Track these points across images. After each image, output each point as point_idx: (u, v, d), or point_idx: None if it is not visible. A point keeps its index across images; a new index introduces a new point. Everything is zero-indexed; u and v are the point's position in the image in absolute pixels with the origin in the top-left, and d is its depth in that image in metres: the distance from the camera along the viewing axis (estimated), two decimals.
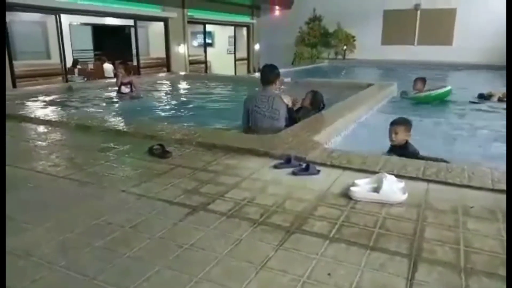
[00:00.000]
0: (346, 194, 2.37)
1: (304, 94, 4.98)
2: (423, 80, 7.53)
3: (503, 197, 2.32)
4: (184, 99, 8.43)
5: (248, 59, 17.28)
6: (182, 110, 6.99)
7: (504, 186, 2.44)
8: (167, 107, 7.37)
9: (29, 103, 6.56)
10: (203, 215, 2.14)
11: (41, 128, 4.27)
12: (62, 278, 1.58)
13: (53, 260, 1.70)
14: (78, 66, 11.05)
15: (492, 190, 2.44)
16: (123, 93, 7.81)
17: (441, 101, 7.29)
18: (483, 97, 7.62)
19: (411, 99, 7.34)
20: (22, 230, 1.97)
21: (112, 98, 7.88)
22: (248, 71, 16.35)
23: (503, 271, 1.61)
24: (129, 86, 7.88)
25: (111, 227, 2.00)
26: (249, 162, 3.03)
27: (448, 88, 7.32)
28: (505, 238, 1.88)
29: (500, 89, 7.67)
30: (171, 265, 1.66)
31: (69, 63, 10.40)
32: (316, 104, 4.78)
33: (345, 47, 18.47)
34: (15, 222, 2.06)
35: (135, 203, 2.31)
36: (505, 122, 5.12)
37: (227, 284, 1.52)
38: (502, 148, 3.74)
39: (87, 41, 13.40)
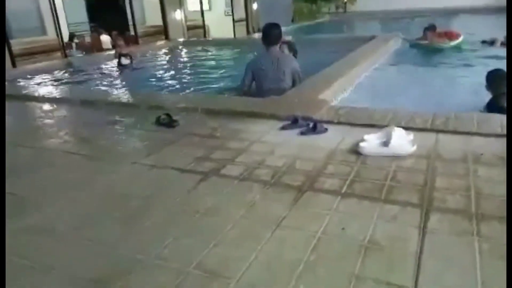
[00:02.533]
0: (355, 150, 2.38)
1: (305, 51, 4.92)
2: (434, 28, 7.63)
3: None
4: (185, 66, 8.32)
5: (246, 19, 16.78)
6: (185, 78, 6.92)
7: None
8: (169, 75, 7.29)
9: (31, 82, 6.54)
10: (215, 180, 2.17)
11: (46, 106, 4.27)
12: (85, 250, 1.63)
13: (73, 233, 1.75)
14: (76, 40, 10.85)
15: (502, 136, 2.43)
16: (123, 65, 7.73)
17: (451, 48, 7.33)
18: (487, 43, 7.55)
19: (425, 47, 7.40)
20: (38, 208, 2.01)
21: (113, 70, 7.80)
22: (248, 32, 15.93)
23: None
24: (128, 57, 7.79)
25: (127, 198, 2.04)
26: (256, 125, 3.02)
27: (462, 38, 7.46)
28: None
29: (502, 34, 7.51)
30: (188, 231, 1.70)
31: (66, 37, 10.21)
32: (293, 51, 4.74)
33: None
34: (31, 201, 2.11)
35: (147, 174, 2.34)
36: None
37: (244, 245, 1.57)
38: None
39: (81, 14, 13.12)
